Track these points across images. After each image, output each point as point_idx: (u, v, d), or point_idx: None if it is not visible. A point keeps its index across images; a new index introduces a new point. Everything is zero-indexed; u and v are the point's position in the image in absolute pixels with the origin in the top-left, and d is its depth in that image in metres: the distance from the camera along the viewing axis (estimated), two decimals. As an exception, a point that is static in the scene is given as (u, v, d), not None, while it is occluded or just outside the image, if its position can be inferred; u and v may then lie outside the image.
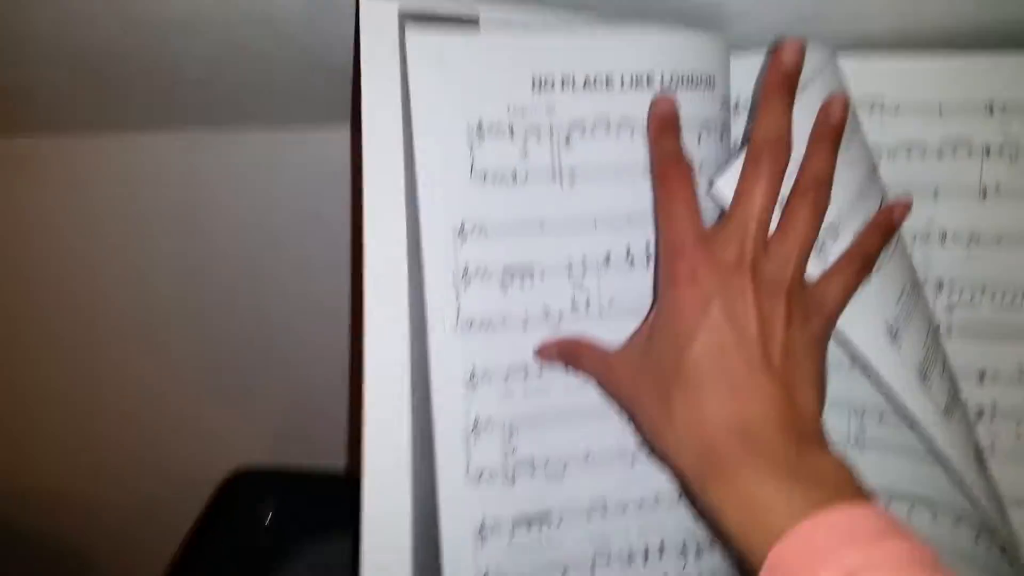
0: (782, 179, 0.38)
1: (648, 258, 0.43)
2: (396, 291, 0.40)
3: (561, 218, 0.42)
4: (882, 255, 0.41)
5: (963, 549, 0.45)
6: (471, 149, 0.40)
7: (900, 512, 0.46)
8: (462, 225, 0.40)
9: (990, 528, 0.43)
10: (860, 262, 0.39)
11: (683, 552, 0.45)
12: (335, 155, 0.63)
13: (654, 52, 0.42)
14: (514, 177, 0.41)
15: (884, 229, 0.40)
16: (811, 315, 0.38)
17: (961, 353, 0.46)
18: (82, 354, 0.77)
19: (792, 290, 0.37)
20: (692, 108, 0.42)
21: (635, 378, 0.39)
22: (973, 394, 0.46)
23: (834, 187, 0.39)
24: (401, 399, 0.40)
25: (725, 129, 0.44)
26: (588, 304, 0.43)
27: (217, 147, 0.65)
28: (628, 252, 0.43)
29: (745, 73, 0.45)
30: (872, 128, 0.45)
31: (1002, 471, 0.45)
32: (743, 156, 0.39)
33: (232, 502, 0.69)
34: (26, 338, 0.77)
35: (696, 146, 0.42)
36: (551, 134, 0.41)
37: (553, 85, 0.41)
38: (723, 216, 0.39)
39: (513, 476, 0.42)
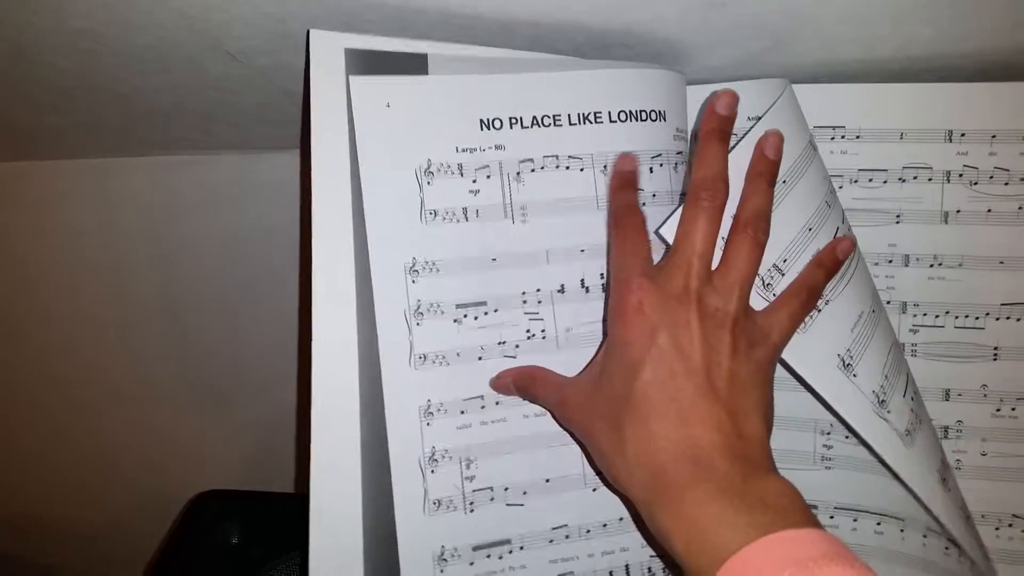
0: (720, 216, 0.39)
1: (603, 288, 0.44)
2: (344, 321, 0.41)
3: (514, 253, 0.42)
4: (831, 287, 0.41)
5: (934, 563, 0.45)
6: (420, 189, 0.41)
7: (868, 527, 0.47)
8: (413, 262, 0.41)
9: (957, 543, 0.43)
10: (805, 294, 0.40)
11: (648, 575, 0.46)
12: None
13: (602, 90, 0.43)
14: (465, 214, 0.42)
15: (828, 264, 0.41)
16: (756, 344, 0.38)
17: (926, 373, 0.47)
18: (54, 373, 0.78)
19: (737, 320, 0.38)
20: (643, 142, 0.43)
21: (588, 408, 0.40)
22: (939, 412, 0.47)
23: (782, 224, 0.40)
24: (351, 426, 0.41)
25: (680, 159, 0.45)
26: (544, 334, 0.43)
27: (186, 169, 0.67)
28: (583, 283, 0.43)
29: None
30: (834, 155, 0.47)
31: (968, 487, 0.45)
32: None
33: (198, 523, 0.70)
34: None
35: (649, 177, 0.43)
36: (501, 171, 0.42)
37: (501, 125, 0.42)
38: (667, 253, 0.40)
39: (472, 504, 0.43)
